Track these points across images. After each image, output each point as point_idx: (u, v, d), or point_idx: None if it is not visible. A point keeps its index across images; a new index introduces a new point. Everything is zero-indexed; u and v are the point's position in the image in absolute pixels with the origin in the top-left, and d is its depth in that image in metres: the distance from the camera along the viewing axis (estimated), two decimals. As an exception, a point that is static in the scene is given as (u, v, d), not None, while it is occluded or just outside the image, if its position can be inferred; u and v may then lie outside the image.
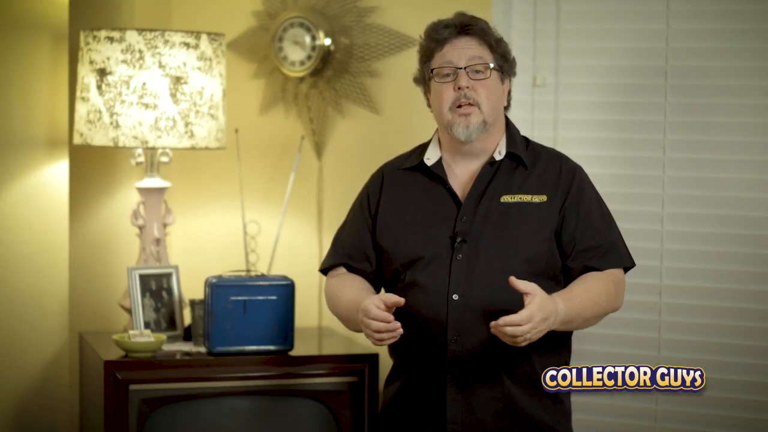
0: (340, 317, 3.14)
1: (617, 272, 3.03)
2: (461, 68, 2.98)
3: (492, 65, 3.00)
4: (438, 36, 3.02)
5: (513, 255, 2.94)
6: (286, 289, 3.46)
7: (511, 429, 2.96)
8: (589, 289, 2.95)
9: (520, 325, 2.76)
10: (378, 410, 3.49)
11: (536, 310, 2.79)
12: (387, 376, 3.13)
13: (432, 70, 3.02)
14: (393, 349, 3.11)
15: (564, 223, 2.99)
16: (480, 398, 2.95)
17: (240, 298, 3.43)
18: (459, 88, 2.97)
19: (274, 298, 3.45)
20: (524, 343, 2.81)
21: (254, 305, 3.44)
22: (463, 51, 3.00)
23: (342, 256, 3.16)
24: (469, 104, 2.97)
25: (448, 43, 3.01)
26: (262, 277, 3.49)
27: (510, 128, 3.08)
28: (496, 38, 3.04)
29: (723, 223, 3.59)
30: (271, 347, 3.46)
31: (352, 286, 3.11)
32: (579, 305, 2.91)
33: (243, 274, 3.52)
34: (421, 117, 3.47)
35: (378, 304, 2.88)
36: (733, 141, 3.59)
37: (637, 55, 3.68)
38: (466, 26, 3.01)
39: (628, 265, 3.05)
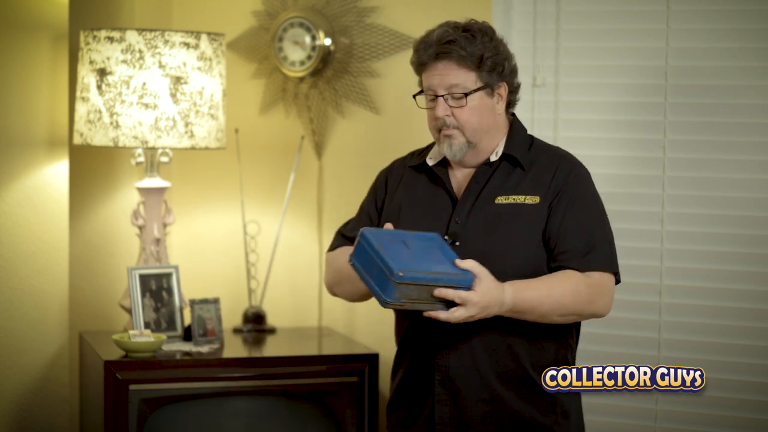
0: (346, 275, 2.98)
1: (598, 276, 2.87)
2: (440, 95, 2.92)
3: (474, 88, 2.92)
4: (420, 58, 2.95)
5: (501, 259, 2.89)
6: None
7: (500, 431, 2.95)
8: (552, 285, 2.85)
9: (462, 304, 2.74)
10: (378, 408, 3.51)
11: (476, 297, 2.75)
12: (392, 366, 3.11)
13: (421, 90, 2.99)
14: (396, 338, 3.09)
15: (549, 221, 2.91)
16: (468, 400, 2.94)
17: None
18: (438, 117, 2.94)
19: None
20: (457, 321, 2.77)
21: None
22: (442, 78, 2.92)
23: (346, 239, 3.11)
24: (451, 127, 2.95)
25: (429, 67, 2.94)
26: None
27: (513, 128, 3.02)
28: (478, 56, 2.91)
29: (723, 223, 3.59)
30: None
31: None
32: (535, 299, 2.83)
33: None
34: (421, 117, 3.45)
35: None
36: (733, 141, 3.59)
37: (637, 55, 3.68)
38: (442, 51, 2.91)
39: (609, 270, 2.89)
